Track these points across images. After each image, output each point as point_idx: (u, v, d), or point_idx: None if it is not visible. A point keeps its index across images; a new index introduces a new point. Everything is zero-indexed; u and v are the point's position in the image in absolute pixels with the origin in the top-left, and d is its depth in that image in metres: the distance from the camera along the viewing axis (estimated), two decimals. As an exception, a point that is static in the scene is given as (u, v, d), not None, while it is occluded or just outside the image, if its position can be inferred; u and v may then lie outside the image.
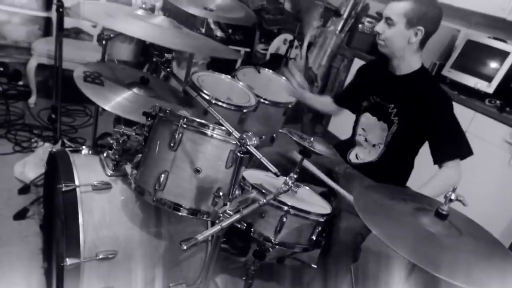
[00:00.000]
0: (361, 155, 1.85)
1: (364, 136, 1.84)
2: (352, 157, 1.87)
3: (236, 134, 1.01)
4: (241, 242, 1.66)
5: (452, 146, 1.60)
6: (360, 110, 1.87)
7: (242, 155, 0.96)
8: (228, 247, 1.79)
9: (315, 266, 1.79)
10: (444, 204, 0.95)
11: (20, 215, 2.02)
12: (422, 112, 1.61)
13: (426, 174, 1.61)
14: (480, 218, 2.77)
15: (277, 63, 3.96)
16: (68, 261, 1.31)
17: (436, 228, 0.93)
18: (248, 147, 0.95)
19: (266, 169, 1.76)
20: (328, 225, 1.51)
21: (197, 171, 1.17)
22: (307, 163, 1.43)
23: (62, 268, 1.32)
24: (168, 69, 1.38)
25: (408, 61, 1.66)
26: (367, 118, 1.82)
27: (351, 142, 1.92)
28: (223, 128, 1.17)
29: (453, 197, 0.96)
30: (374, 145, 1.80)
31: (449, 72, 3.09)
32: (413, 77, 1.68)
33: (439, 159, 1.61)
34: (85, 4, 1.30)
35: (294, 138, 1.31)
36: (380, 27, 1.63)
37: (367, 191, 1.11)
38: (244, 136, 0.96)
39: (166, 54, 1.32)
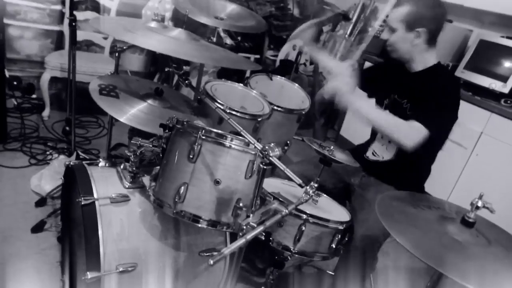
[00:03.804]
0: (378, 151, 1.85)
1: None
2: (369, 154, 1.88)
3: (259, 146, 1.00)
4: (261, 263, 1.65)
5: (429, 115, 1.56)
6: (382, 107, 1.88)
7: (265, 167, 0.95)
8: (248, 266, 1.78)
9: (333, 273, 1.77)
10: (470, 212, 0.93)
11: (38, 228, 2.04)
12: (432, 104, 1.60)
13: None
14: (497, 221, 2.75)
15: (287, 69, 3.96)
16: (89, 275, 1.30)
17: (463, 236, 0.91)
18: (271, 158, 0.94)
19: (281, 177, 1.77)
20: (347, 231, 1.50)
21: (217, 182, 1.16)
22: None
23: (83, 281, 1.32)
24: (186, 81, 1.37)
25: (420, 59, 1.70)
26: None
27: (370, 139, 1.94)
28: (241, 138, 1.17)
29: (479, 204, 0.93)
30: (390, 141, 1.80)
31: (462, 73, 3.05)
32: (427, 73, 1.71)
33: (412, 115, 1.58)
34: (104, 20, 1.31)
35: (314, 147, 1.30)
36: (385, 34, 1.71)
37: (390, 199, 1.09)
38: (267, 147, 0.95)
39: (184, 67, 1.32)
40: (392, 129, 1.56)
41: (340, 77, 1.65)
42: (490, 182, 2.71)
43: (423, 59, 1.70)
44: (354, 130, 3.74)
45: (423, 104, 1.60)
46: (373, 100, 1.78)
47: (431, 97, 1.60)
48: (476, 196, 1.00)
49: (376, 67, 2.11)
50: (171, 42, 1.36)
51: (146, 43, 1.27)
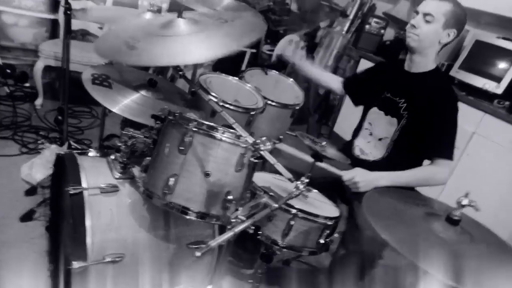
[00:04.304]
0: (366, 149, 1.85)
1: (370, 130, 1.84)
2: (357, 152, 1.87)
3: (250, 139, 0.99)
4: (247, 254, 1.65)
5: (448, 146, 1.61)
6: (368, 105, 1.89)
7: (256, 160, 0.95)
8: (234, 259, 1.78)
9: (320, 268, 1.78)
10: (456, 210, 0.94)
11: (27, 216, 2.02)
12: (429, 109, 1.63)
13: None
14: (487, 220, 2.75)
15: (283, 64, 3.95)
16: (75, 264, 1.30)
17: (448, 233, 0.92)
18: (262, 152, 0.94)
19: (272, 171, 1.77)
20: (335, 227, 1.51)
21: (207, 174, 1.16)
22: (283, 147, 1.38)
23: (69, 271, 1.31)
24: (180, 73, 1.36)
25: (428, 59, 1.69)
26: (374, 112, 1.84)
27: (353, 135, 1.94)
28: (232, 131, 1.17)
29: (465, 202, 0.94)
30: (380, 139, 1.80)
31: (457, 73, 3.06)
32: (427, 76, 1.71)
33: (433, 153, 1.62)
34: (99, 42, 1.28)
35: (306, 142, 1.30)
36: (417, 21, 1.63)
37: (379, 195, 1.09)
38: (258, 141, 0.95)
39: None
40: (427, 182, 1.60)
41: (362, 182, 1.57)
42: (480, 182, 2.73)
43: (430, 60, 1.69)
44: (348, 127, 3.74)
45: (436, 133, 1.61)
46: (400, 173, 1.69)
47: (434, 107, 1.61)
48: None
49: (367, 71, 2.10)
50: (172, 46, 1.32)
51: (149, 59, 1.24)
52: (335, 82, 2.11)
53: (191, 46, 1.32)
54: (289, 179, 0.95)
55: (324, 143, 1.35)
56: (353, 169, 1.57)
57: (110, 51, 1.43)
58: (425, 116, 1.64)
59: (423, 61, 1.70)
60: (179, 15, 1.38)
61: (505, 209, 2.63)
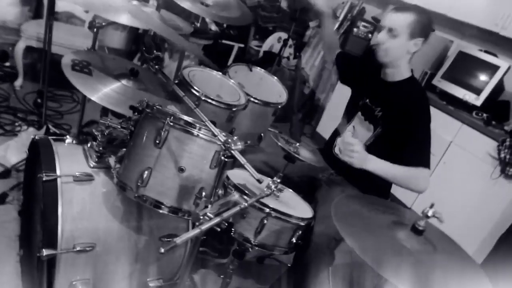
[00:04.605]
0: None
1: (352, 133, 1.86)
2: (337, 150, 1.89)
3: (222, 138, 1.00)
4: (221, 244, 1.66)
5: (425, 155, 1.63)
6: (356, 108, 1.90)
7: (226, 159, 0.96)
8: (208, 250, 1.79)
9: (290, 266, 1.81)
10: (420, 220, 0.96)
11: (-1, 199, 1.99)
12: (403, 118, 1.65)
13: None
14: (458, 229, 2.82)
15: (270, 61, 3.96)
16: (45, 252, 1.29)
17: (411, 243, 0.94)
18: (232, 151, 0.95)
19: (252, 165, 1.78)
20: (308, 228, 1.53)
21: (181, 170, 1.16)
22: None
23: (38, 258, 1.30)
24: (156, 67, 1.35)
25: (400, 69, 1.71)
26: (358, 117, 1.86)
27: (335, 133, 1.95)
28: (209, 128, 1.17)
29: (430, 213, 0.97)
30: None
31: (439, 82, 3.12)
32: (403, 84, 1.72)
33: (411, 163, 1.62)
34: None
35: (280, 144, 1.31)
36: (383, 37, 1.64)
37: (347, 200, 1.11)
38: (229, 140, 0.96)
39: (155, 51, 1.30)
40: (410, 182, 1.60)
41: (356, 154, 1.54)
42: (454, 190, 2.80)
43: (403, 69, 1.71)
44: (331, 128, 3.77)
45: (414, 143, 1.62)
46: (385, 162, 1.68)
47: (408, 117, 1.63)
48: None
49: (357, 60, 2.12)
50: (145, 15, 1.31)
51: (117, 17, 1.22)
52: (333, 50, 2.11)
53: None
54: (257, 180, 0.96)
55: (297, 144, 1.36)
56: (356, 140, 1.55)
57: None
58: (399, 126, 1.66)
59: (396, 72, 1.72)
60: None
61: (476, 218, 2.71)
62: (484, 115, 2.82)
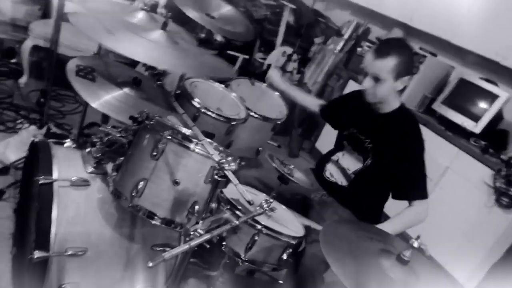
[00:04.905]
0: (334, 174, 1.88)
1: (339, 158, 1.88)
2: (327, 174, 1.91)
3: (216, 157, 1.02)
4: (211, 257, 1.67)
5: (422, 187, 1.66)
6: (341, 137, 1.92)
7: (219, 179, 0.98)
8: (198, 261, 1.80)
9: (281, 282, 1.81)
10: (406, 250, 0.98)
11: (-5, 196, 2.00)
12: (395, 152, 1.66)
13: (403, 206, 1.66)
14: (450, 255, 2.81)
15: (274, 74, 3.99)
16: (36, 254, 1.30)
17: (396, 272, 0.95)
18: (226, 171, 0.97)
19: (245, 183, 1.80)
20: (299, 246, 1.54)
21: (176, 183, 1.18)
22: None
23: (30, 259, 1.31)
24: (158, 82, 1.38)
25: (389, 103, 1.72)
26: (345, 146, 1.88)
27: (326, 158, 1.97)
28: (208, 143, 1.19)
29: (415, 245, 0.98)
30: (343, 169, 1.84)
31: (438, 107, 3.15)
32: (392, 116, 1.73)
33: (410, 197, 1.66)
34: (82, 17, 1.27)
35: (274, 165, 1.33)
36: (368, 83, 1.64)
37: (336, 225, 1.13)
38: (223, 160, 0.98)
39: (158, 68, 1.33)
40: (412, 224, 1.65)
41: None
42: (449, 216, 2.80)
43: (392, 102, 1.72)
44: (330, 144, 3.80)
45: (408, 177, 1.65)
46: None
47: (400, 151, 1.65)
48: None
49: (342, 100, 2.14)
50: (150, 47, 1.34)
51: (125, 50, 1.24)
52: (314, 107, 2.14)
53: (162, 55, 1.36)
54: (248, 202, 0.98)
55: (291, 166, 1.38)
56: None
57: (88, 27, 1.40)
58: (392, 158, 1.67)
59: (386, 105, 1.73)
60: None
61: (468, 245, 2.72)
62: (482, 142, 2.83)
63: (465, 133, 2.93)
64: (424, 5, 3.42)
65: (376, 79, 1.61)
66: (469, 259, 2.70)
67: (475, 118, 2.92)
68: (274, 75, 2.18)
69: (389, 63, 1.58)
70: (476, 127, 2.89)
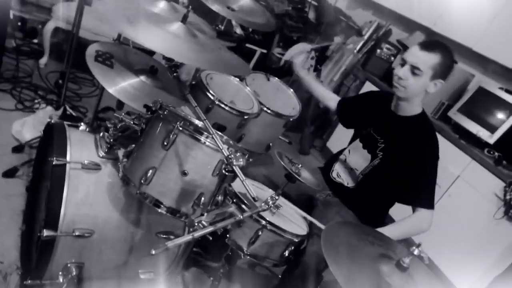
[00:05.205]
0: (341, 174, 1.88)
1: (346, 157, 1.87)
2: (334, 174, 1.91)
3: (225, 152, 1.03)
4: (214, 248, 1.70)
5: (429, 197, 1.64)
6: (355, 135, 1.92)
7: (227, 173, 0.99)
8: (201, 251, 1.83)
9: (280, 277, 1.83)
10: (406, 257, 0.98)
11: (9, 173, 2.05)
12: (409, 156, 1.64)
13: (409, 212, 1.65)
14: (454, 263, 2.78)
15: (290, 70, 3.98)
16: (45, 232, 1.34)
17: (394, 278, 0.96)
18: (233, 167, 0.98)
19: (255, 178, 1.82)
20: (301, 245, 1.55)
21: (184, 173, 1.20)
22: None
23: (39, 237, 1.35)
24: (174, 74, 1.39)
25: (413, 105, 1.69)
26: (356, 143, 1.87)
27: (335, 158, 1.97)
28: (218, 136, 1.20)
29: (416, 252, 0.99)
30: (351, 169, 1.83)
31: (454, 115, 3.11)
32: (412, 121, 1.71)
33: (415, 203, 1.64)
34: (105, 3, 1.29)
35: (282, 163, 1.34)
36: (405, 73, 1.60)
37: (338, 227, 1.14)
38: (232, 156, 0.99)
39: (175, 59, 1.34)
40: (415, 231, 1.65)
41: None
42: (456, 225, 2.79)
43: (416, 105, 1.69)
44: (341, 144, 3.79)
45: (418, 183, 1.63)
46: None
47: (415, 156, 1.63)
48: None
49: (360, 98, 2.12)
50: (168, 39, 1.34)
51: (144, 39, 1.24)
52: (331, 101, 2.12)
53: (180, 47, 1.36)
54: (253, 198, 0.99)
55: (300, 165, 1.39)
56: None
57: (110, 13, 1.39)
58: (403, 162, 1.65)
59: (409, 107, 1.70)
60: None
61: (473, 255, 2.70)
62: (496, 154, 2.79)
63: (479, 143, 2.89)
64: (450, 11, 3.36)
65: (414, 72, 1.58)
66: (472, 269, 2.68)
67: (491, 128, 2.88)
68: (299, 58, 2.15)
69: (433, 58, 1.56)
70: (491, 138, 2.85)
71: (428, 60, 1.56)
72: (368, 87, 3.68)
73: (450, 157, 2.86)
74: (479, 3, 3.13)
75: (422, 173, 1.63)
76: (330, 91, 2.23)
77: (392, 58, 3.78)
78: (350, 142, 1.95)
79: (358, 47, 4.03)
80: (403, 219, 1.63)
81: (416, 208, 1.63)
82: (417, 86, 1.60)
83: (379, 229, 1.57)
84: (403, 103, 1.70)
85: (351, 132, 2.05)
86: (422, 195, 1.63)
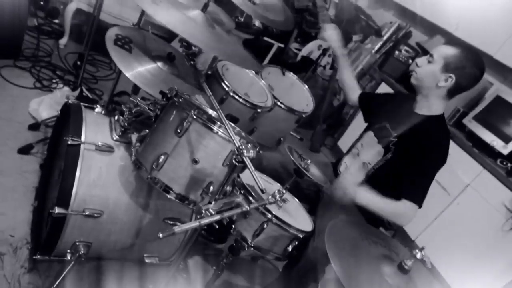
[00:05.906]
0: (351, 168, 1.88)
1: (359, 151, 1.87)
2: (342, 168, 1.91)
3: (237, 143, 1.05)
4: (219, 231, 1.72)
5: (420, 193, 1.61)
6: (367, 127, 1.91)
7: (237, 164, 1.00)
8: (206, 234, 1.85)
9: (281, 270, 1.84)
10: (409, 260, 0.98)
11: (25, 150, 2.09)
12: (417, 153, 1.64)
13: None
14: (459, 271, 2.76)
15: (306, 66, 3.97)
16: (57, 210, 1.37)
17: (395, 280, 0.96)
18: (244, 157, 0.99)
19: (264, 171, 1.83)
20: (305, 240, 1.56)
21: (195, 161, 1.21)
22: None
23: (50, 214, 1.39)
24: (191, 62, 1.41)
25: (430, 103, 1.70)
26: (369, 136, 1.86)
27: (346, 152, 1.97)
28: (231, 127, 1.21)
29: (418, 256, 0.99)
30: (364, 163, 1.83)
31: (469, 122, 3.07)
32: (428, 120, 1.71)
33: (404, 194, 1.61)
34: None
35: (292, 158, 1.34)
36: (421, 60, 1.70)
37: (343, 224, 1.14)
38: (243, 147, 1.00)
39: (193, 47, 1.35)
40: (393, 216, 1.61)
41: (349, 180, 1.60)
42: (463, 233, 2.76)
43: (434, 104, 1.69)
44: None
45: (414, 177, 1.62)
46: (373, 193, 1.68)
47: (421, 153, 1.62)
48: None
49: (385, 95, 2.12)
50: (187, 23, 1.36)
51: (164, 19, 1.26)
52: (354, 91, 2.11)
53: (198, 33, 1.37)
54: (261, 190, 1.00)
55: (309, 161, 1.40)
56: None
57: None
58: (410, 158, 1.65)
59: (425, 104, 1.71)
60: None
61: (479, 265, 2.67)
62: (509, 165, 2.76)
63: (492, 153, 2.85)
64: (472, 17, 3.30)
65: (429, 59, 1.65)
66: (476, 279, 2.66)
67: (506, 138, 2.83)
68: (335, 34, 2.05)
69: (449, 50, 1.62)
70: (505, 148, 2.81)
71: (443, 50, 1.63)
72: (384, 88, 3.65)
73: (462, 165, 2.83)
74: (502, 11, 3.08)
75: (421, 173, 1.62)
76: (355, 80, 2.20)
77: (410, 61, 3.73)
78: (361, 135, 1.94)
79: (376, 48, 4.00)
80: (390, 199, 1.59)
81: (404, 200, 1.60)
82: (427, 74, 1.65)
83: (370, 195, 1.57)
84: (419, 97, 1.73)
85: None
86: (414, 190, 1.61)
